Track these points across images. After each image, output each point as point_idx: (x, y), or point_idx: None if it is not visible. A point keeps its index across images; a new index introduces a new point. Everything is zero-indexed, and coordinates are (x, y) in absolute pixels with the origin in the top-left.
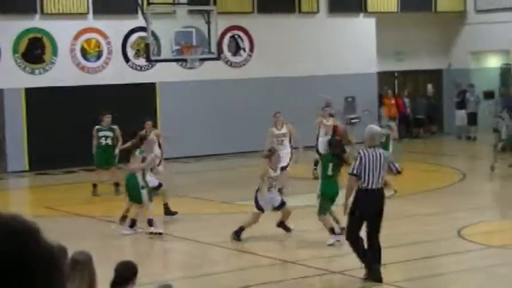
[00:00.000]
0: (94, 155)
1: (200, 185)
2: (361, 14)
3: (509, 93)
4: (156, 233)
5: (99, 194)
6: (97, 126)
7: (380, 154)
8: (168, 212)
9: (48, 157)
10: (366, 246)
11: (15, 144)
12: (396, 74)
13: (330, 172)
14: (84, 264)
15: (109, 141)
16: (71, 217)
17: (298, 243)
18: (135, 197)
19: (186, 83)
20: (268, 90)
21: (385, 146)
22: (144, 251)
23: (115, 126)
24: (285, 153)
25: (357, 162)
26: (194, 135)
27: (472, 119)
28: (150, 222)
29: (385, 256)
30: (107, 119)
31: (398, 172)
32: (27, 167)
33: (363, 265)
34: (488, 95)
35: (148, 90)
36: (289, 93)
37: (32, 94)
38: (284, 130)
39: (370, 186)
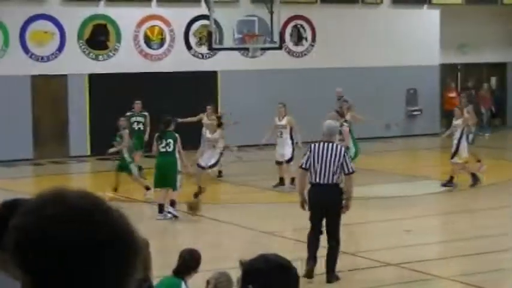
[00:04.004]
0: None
1: (260, 174)
2: (425, 6)
3: None
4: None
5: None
6: (128, 113)
7: (334, 148)
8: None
9: (108, 142)
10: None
11: (78, 129)
12: (459, 66)
13: None
14: None
15: (141, 126)
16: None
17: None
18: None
19: (247, 72)
20: (328, 80)
21: None
22: (203, 238)
23: (146, 113)
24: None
25: (306, 156)
26: (255, 124)
27: None
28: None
29: (443, 250)
30: (137, 105)
31: None
32: (88, 152)
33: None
34: None
35: (209, 78)
36: (349, 84)
37: (95, 80)
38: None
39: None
